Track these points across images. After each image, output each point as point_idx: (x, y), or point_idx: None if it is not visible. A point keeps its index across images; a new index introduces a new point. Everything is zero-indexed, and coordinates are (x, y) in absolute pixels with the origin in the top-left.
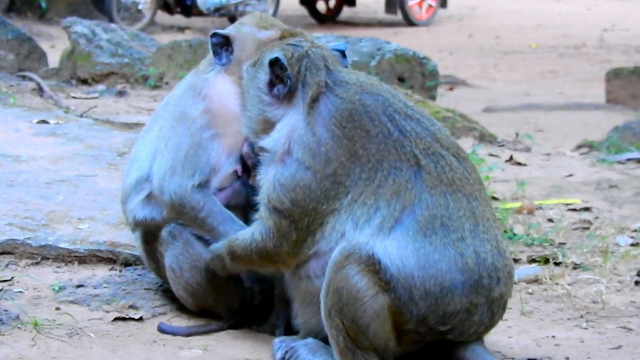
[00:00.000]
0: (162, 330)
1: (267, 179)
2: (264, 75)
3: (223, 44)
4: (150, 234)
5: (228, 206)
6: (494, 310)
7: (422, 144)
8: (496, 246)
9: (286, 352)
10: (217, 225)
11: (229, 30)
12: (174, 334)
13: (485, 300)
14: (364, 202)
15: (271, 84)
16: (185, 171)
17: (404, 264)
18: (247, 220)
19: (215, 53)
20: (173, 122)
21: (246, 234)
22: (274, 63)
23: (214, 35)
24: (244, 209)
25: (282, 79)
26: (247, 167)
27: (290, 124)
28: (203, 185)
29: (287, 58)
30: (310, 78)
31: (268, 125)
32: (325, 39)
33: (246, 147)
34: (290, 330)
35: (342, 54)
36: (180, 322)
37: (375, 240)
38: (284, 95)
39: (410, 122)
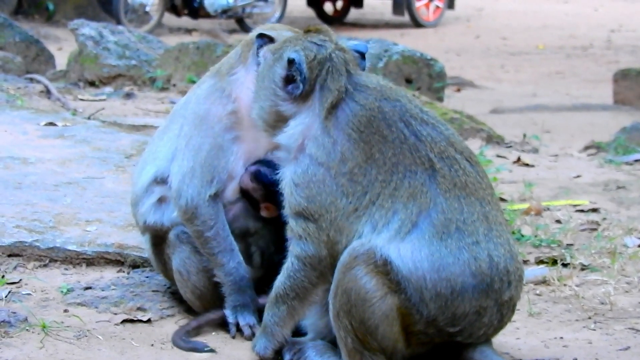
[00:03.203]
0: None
1: (284, 183)
2: (280, 70)
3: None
4: (159, 238)
5: (232, 229)
6: (503, 312)
7: (437, 148)
8: (509, 250)
9: (294, 353)
10: (217, 252)
11: (272, 32)
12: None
13: (494, 303)
14: (381, 205)
15: (287, 80)
16: (204, 175)
17: (416, 266)
18: (248, 247)
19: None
20: (196, 120)
21: (286, 266)
22: (292, 62)
23: (261, 36)
24: (244, 235)
25: (296, 80)
26: (253, 199)
27: (305, 123)
28: (218, 196)
29: (308, 60)
30: (332, 83)
31: (280, 119)
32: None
33: (248, 180)
34: (298, 331)
35: (362, 55)
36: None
37: (389, 244)
38: (298, 94)
39: (426, 127)
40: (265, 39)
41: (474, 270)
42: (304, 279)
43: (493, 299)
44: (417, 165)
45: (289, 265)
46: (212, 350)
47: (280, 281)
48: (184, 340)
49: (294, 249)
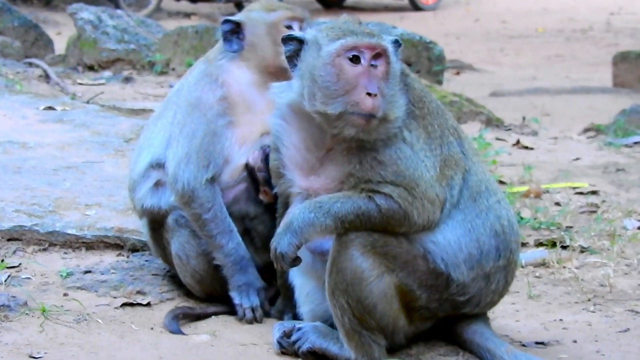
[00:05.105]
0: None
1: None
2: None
3: (234, 31)
4: (157, 222)
5: (230, 212)
6: (508, 279)
7: (452, 119)
8: (513, 214)
9: (284, 332)
10: (216, 234)
11: (239, 16)
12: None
13: (507, 263)
14: (439, 178)
15: None
16: (200, 161)
17: (452, 232)
18: (245, 230)
19: (226, 40)
20: (188, 108)
21: (360, 199)
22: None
23: (225, 22)
24: (244, 219)
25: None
26: (256, 180)
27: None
28: (215, 180)
29: None
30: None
31: None
32: None
33: (259, 159)
34: (297, 317)
35: None
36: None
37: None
38: None
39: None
40: (230, 24)
41: (497, 229)
42: (375, 217)
43: (505, 259)
44: (450, 134)
45: (366, 201)
46: (183, 333)
47: (340, 201)
48: (169, 319)
49: (381, 201)
